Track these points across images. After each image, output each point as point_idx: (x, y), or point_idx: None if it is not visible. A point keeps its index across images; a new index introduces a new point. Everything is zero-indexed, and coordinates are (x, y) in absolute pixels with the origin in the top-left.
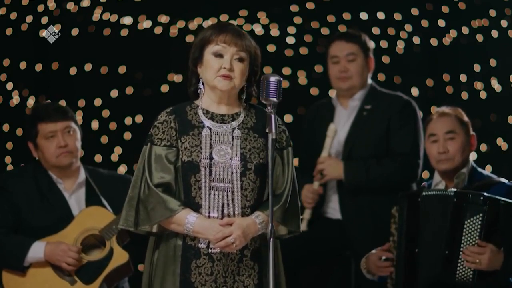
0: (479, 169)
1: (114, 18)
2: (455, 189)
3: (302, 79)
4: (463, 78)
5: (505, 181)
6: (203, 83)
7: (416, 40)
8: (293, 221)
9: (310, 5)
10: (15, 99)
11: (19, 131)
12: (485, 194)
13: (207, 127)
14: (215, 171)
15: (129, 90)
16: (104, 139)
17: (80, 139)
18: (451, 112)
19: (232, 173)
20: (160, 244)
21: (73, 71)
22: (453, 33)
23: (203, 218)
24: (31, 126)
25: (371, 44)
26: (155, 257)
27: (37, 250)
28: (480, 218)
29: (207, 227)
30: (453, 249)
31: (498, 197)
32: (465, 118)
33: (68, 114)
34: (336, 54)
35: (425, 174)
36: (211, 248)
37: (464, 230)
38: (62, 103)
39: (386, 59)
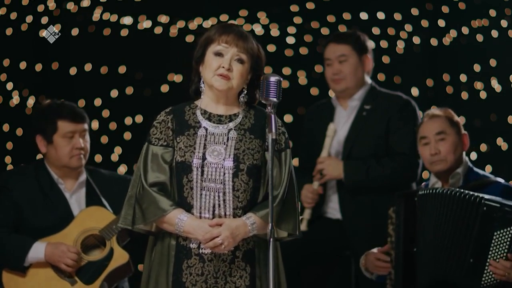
0: (475, 169)
1: (114, 18)
2: (468, 192)
3: (302, 79)
4: (463, 78)
5: (501, 180)
6: (203, 82)
7: (416, 40)
8: (288, 222)
9: (310, 5)
10: (15, 99)
11: (19, 131)
12: None
13: (204, 127)
14: (207, 172)
15: (129, 90)
16: (104, 139)
17: None
18: (440, 114)
19: (224, 174)
20: (156, 243)
21: (73, 71)
22: (453, 33)
23: (193, 218)
24: (50, 122)
25: (369, 43)
26: (152, 257)
27: (38, 250)
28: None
29: (197, 227)
30: (479, 258)
31: None
32: (455, 118)
33: (86, 117)
34: (328, 56)
35: (425, 174)
36: (202, 249)
37: (493, 241)
38: None
39: (386, 59)
